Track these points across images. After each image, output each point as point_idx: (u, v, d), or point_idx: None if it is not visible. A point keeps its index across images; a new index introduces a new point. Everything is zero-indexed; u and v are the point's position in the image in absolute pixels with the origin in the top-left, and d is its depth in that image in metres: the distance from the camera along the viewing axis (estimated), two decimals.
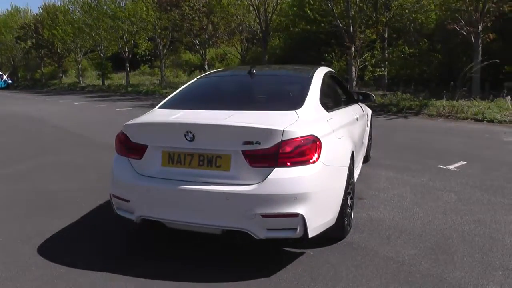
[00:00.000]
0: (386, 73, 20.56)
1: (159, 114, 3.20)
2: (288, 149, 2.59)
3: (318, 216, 2.70)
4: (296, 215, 2.57)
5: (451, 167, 5.53)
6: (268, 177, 2.57)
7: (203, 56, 22.44)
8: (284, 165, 2.59)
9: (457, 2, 13.10)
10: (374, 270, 2.86)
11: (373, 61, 19.01)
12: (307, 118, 2.88)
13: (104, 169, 5.69)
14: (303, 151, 2.62)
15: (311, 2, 21.50)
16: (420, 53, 20.30)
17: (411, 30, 20.91)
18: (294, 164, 2.60)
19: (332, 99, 3.86)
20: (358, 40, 17.12)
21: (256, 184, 2.58)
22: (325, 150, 2.75)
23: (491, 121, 9.14)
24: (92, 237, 3.55)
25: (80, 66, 32.03)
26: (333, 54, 23.16)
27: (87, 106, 16.38)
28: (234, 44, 23.80)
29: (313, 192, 2.62)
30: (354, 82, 17.29)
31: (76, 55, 31.80)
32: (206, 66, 23.57)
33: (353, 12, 16.79)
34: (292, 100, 3.23)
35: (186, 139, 2.69)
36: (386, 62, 20.08)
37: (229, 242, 3.15)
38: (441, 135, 8.20)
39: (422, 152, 6.56)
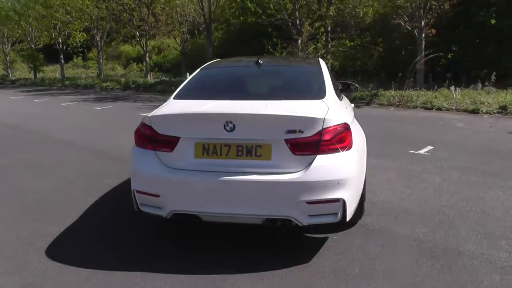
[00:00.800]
0: (330, 65, 21.29)
1: (187, 105, 3.07)
2: (328, 136, 2.67)
3: (354, 200, 2.82)
4: (338, 200, 2.66)
5: (422, 151, 5.96)
6: (312, 164, 2.63)
7: (145, 48, 21.65)
8: (325, 152, 2.67)
9: None
10: (400, 248, 3.06)
11: (319, 53, 19.65)
12: (334, 107, 2.96)
13: (79, 167, 5.40)
14: (341, 138, 2.72)
15: None
16: (361, 46, 21.37)
17: (352, 24, 21.83)
18: (334, 151, 2.69)
19: (336, 89, 4.00)
20: (305, 32, 17.53)
21: (300, 172, 2.63)
22: (354, 136, 2.87)
23: (439, 109, 9.93)
24: (99, 236, 3.39)
25: (8, 58, 29.28)
26: (275, 46, 23.61)
27: (26, 101, 15.10)
28: (174, 36, 23.23)
29: (351, 177, 2.73)
30: None
31: (4, 46, 29.02)
32: (148, 58, 22.80)
33: (298, 5, 17.12)
34: (313, 90, 3.29)
35: (226, 129, 2.65)
36: (329, 55, 20.82)
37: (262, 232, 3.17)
38: (399, 123, 8.76)
39: (388, 139, 6.96)
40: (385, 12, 21.18)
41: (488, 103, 9.46)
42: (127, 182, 4.77)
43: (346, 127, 2.79)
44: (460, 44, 15.31)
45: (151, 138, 2.85)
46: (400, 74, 12.00)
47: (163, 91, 16.83)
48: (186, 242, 3.22)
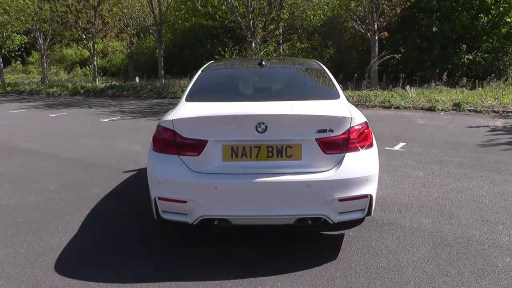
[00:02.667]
0: None
1: (210, 107, 2.98)
2: (355, 135, 2.75)
3: (375, 195, 2.92)
4: (366, 196, 2.75)
5: (397, 148, 6.27)
6: (342, 162, 2.70)
7: (92, 52, 20.69)
8: (353, 150, 2.75)
9: (353, 2, 14.60)
10: (415, 240, 3.21)
11: (274, 55, 19.96)
12: (351, 107, 3.06)
13: (57, 177, 5.08)
14: (366, 136, 2.82)
15: None
16: (312, 48, 21.99)
17: (302, 27, 22.39)
18: (360, 148, 2.78)
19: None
20: (259, 35, 17.70)
21: (331, 170, 2.68)
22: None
23: (397, 107, 10.48)
24: (105, 247, 3.22)
25: None
26: (226, 49, 23.66)
27: None
28: (122, 39, 22.47)
29: (376, 173, 2.84)
30: None
31: None
32: (96, 62, 21.83)
33: (251, 8, 17.23)
34: (327, 90, 3.37)
35: (258, 131, 2.63)
36: (281, 57, 21.22)
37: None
38: None
39: None
40: (335, 16, 22.02)
41: (442, 100, 10.15)
42: (117, 190, 4.60)
43: (367, 125, 2.89)
44: (408, 47, 16.26)
45: (175, 142, 2.76)
46: (356, 75, 12.51)
47: (114, 96, 16.22)
48: (204, 249, 3.15)
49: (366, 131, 2.83)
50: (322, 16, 22.41)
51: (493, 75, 12.57)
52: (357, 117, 2.81)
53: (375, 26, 13.53)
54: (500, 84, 11.80)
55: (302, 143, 2.69)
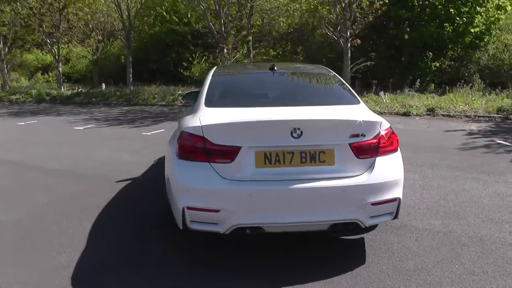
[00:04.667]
0: None
1: (239, 113, 2.89)
2: (384, 139, 2.79)
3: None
4: (395, 199, 2.80)
5: None
6: (374, 166, 2.73)
7: (57, 57, 19.85)
8: (383, 154, 2.79)
9: (324, 9, 14.91)
10: (433, 241, 3.29)
11: (246, 61, 19.98)
12: (373, 112, 3.11)
13: (46, 189, 4.81)
14: (392, 140, 2.87)
15: (166, 4, 21.36)
16: (283, 55, 22.24)
17: (272, 34, 22.56)
18: (388, 152, 2.83)
19: None
20: (231, 41, 17.67)
21: (364, 175, 2.70)
22: None
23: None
24: (118, 262, 3.06)
25: None
26: (194, 55, 23.49)
27: None
28: (89, 44, 21.72)
29: (402, 177, 2.89)
30: None
31: None
32: (61, 68, 20.97)
33: (223, 14, 17.19)
34: (347, 96, 3.40)
35: (293, 136, 2.61)
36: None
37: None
38: None
39: None
40: (303, 23, 22.42)
41: (416, 106, 10.55)
42: (116, 201, 4.40)
43: (393, 130, 2.94)
44: (377, 54, 16.81)
45: (205, 149, 2.67)
46: None
47: (83, 104, 15.62)
48: (225, 256, 3.07)
49: (392, 135, 2.88)
50: (291, 23, 22.73)
51: (462, 81, 13.23)
52: (385, 122, 2.86)
53: (348, 33, 13.90)
54: (467, 90, 12.43)
55: (335, 148, 2.70)
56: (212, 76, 3.68)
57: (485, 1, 15.15)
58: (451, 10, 15.37)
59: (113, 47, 25.41)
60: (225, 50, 17.55)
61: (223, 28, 17.30)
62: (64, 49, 22.85)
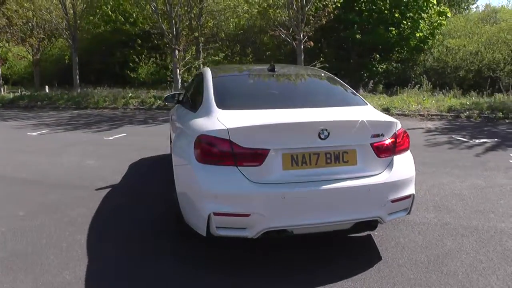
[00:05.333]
0: None
1: (262, 115, 2.84)
2: (400, 138, 2.90)
3: None
4: (410, 196, 2.91)
5: None
6: (393, 165, 2.82)
7: None
8: (399, 153, 2.90)
9: (275, 12, 15.11)
10: (434, 233, 3.46)
11: (196, 63, 19.74)
12: (379, 112, 3.21)
13: (19, 200, 4.43)
14: (405, 139, 2.98)
15: (111, 3, 20.56)
16: (232, 56, 22.26)
17: (219, 35, 22.43)
18: (403, 151, 2.94)
19: None
20: (182, 42, 17.35)
21: (383, 173, 2.78)
22: None
23: None
24: (127, 275, 2.89)
25: None
26: (141, 57, 22.83)
27: None
28: (31, 44, 20.24)
29: (414, 174, 3.01)
30: (179, 85, 17.46)
31: None
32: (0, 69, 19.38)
33: (174, 14, 16.83)
34: (353, 97, 3.47)
35: (320, 137, 2.62)
36: (206, 66, 21.08)
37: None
38: None
39: None
40: (251, 25, 22.56)
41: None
42: (103, 210, 4.14)
43: (405, 130, 3.06)
44: (327, 56, 17.37)
45: (233, 153, 2.60)
46: None
47: (28, 107, 14.58)
48: (245, 257, 3.01)
49: (405, 134, 2.99)
50: (237, 24, 22.77)
51: (413, 82, 14.07)
52: (398, 122, 2.96)
53: (301, 35, 14.23)
54: (416, 90, 13.23)
55: (357, 148, 2.75)
56: (213, 77, 3.58)
57: (428, 8, 16.26)
58: (396, 15, 16.32)
59: (54, 47, 23.91)
60: (177, 52, 17.18)
61: (174, 29, 16.91)
62: (2, 48, 21.14)
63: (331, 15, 14.32)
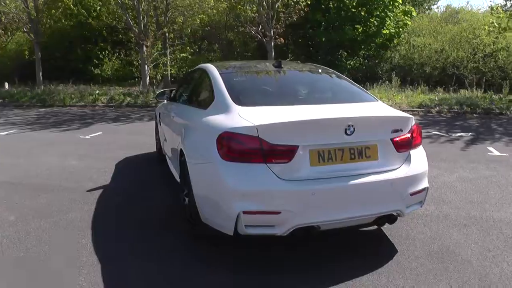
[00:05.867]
0: (170, 73, 21.07)
1: (288, 111, 2.83)
2: (415, 133, 2.99)
3: None
4: (425, 189, 3.00)
5: None
6: (411, 159, 2.90)
7: None
8: (414, 147, 2.98)
9: (243, 8, 15.06)
10: (439, 225, 3.58)
11: (164, 59, 19.34)
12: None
13: (3, 205, 4.15)
14: (419, 134, 3.06)
15: None
16: (199, 53, 21.98)
17: (185, 31, 22.03)
18: (418, 145, 3.03)
19: None
20: (151, 38, 16.95)
21: (402, 167, 2.85)
22: None
23: None
24: (148, 280, 2.81)
25: None
26: (105, 52, 22.12)
27: None
28: None
29: (427, 168, 3.10)
30: (148, 81, 17.07)
31: None
32: None
33: (141, 9, 16.38)
34: (363, 93, 3.50)
35: (347, 133, 2.64)
36: (173, 63, 20.70)
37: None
38: None
39: None
40: (217, 21, 22.36)
41: None
42: (103, 213, 3.99)
43: (418, 124, 3.14)
44: (296, 53, 17.57)
45: (262, 150, 2.56)
46: None
47: None
48: (260, 257, 2.99)
49: (418, 129, 3.08)
50: (202, 19, 22.47)
51: (384, 78, 14.48)
52: (413, 117, 3.04)
53: (271, 32, 14.28)
54: (385, 86, 13.63)
55: (378, 143, 2.80)
56: (221, 73, 3.51)
57: (394, 6, 16.79)
58: (363, 13, 16.75)
59: (11, 42, 22.62)
60: (145, 48, 16.74)
61: (141, 24, 16.46)
62: None
63: (302, 12, 14.47)
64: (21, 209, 4.05)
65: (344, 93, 3.50)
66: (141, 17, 16.34)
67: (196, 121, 3.28)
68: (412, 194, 2.87)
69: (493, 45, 15.75)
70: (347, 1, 17.01)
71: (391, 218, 2.89)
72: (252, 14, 14.87)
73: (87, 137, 8.06)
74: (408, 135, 2.91)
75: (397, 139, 2.84)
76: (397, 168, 2.84)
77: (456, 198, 4.26)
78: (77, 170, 5.47)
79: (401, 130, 2.86)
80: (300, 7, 14.28)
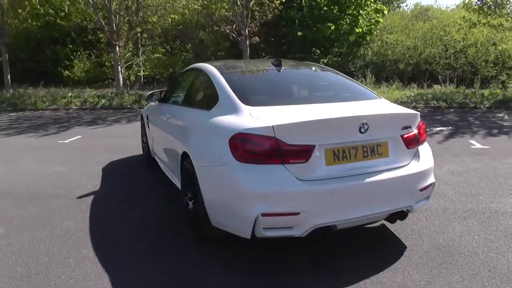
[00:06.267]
0: (143, 73, 20.71)
1: (301, 110, 2.82)
2: (422, 130, 3.03)
3: None
4: (432, 184, 3.04)
5: None
6: (420, 155, 2.94)
7: None
8: (421, 143, 3.03)
9: (217, 7, 14.97)
10: (439, 218, 3.65)
11: (138, 60, 18.97)
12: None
13: None
14: (424, 130, 3.11)
15: None
16: (171, 52, 21.66)
17: (155, 30, 21.66)
18: (424, 141, 3.07)
19: None
20: (123, 38, 16.57)
21: (411, 163, 2.89)
22: None
23: None
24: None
25: None
26: (75, 53, 21.52)
27: None
28: None
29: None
30: (121, 82, 16.68)
31: None
32: None
33: (113, 9, 15.98)
34: (366, 90, 3.52)
35: (361, 131, 2.64)
36: (146, 63, 20.35)
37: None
38: None
39: None
40: (187, 20, 22.07)
41: None
42: (101, 220, 3.83)
43: (422, 121, 3.19)
44: (269, 51, 17.61)
45: (279, 151, 2.52)
46: None
47: None
48: (271, 259, 2.96)
49: (423, 126, 3.12)
50: (177, 20, 22.15)
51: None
52: (419, 114, 3.08)
53: (246, 31, 14.23)
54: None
55: (388, 141, 2.82)
56: (222, 73, 3.44)
57: (366, 5, 17.13)
58: (335, 11, 17.02)
59: None
60: (118, 48, 16.33)
61: (114, 24, 16.04)
62: None
63: (276, 10, 14.50)
64: (11, 220, 3.85)
65: (349, 91, 3.51)
66: (113, 17, 15.92)
67: (201, 122, 3.20)
68: (421, 190, 2.91)
69: (463, 42, 16.30)
70: (319, 0, 17.21)
71: (402, 214, 2.92)
72: (227, 13, 14.79)
73: (66, 141, 7.78)
74: (416, 132, 2.95)
75: (407, 135, 2.87)
76: (407, 164, 2.87)
77: (450, 191, 4.37)
78: (62, 177, 5.26)
79: (410, 127, 2.90)
80: (274, 6, 14.31)
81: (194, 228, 3.21)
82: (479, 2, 12.70)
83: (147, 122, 5.47)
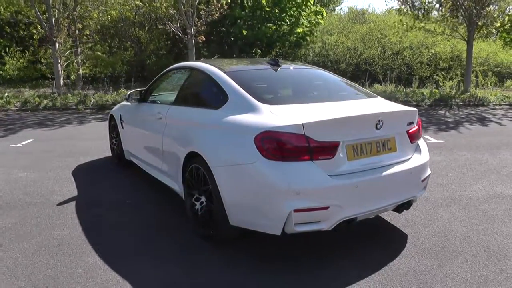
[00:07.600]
0: (82, 73, 19.67)
1: (322, 108, 2.93)
2: (420, 125, 3.27)
3: None
4: (429, 175, 3.32)
5: None
6: (421, 149, 3.21)
7: None
8: (420, 138, 3.27)
9: (163, 5, 14.64)
10: (427, 207, 3.97)
11: (78, 58, 17.99)
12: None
13: None
14: (421, 126, 3.36)
15: None
16: (111, 51, 20.76)
17: (95, 28, 20.66)
18: (421, 136, 3.34)
19: None
20: (63, 34, 15.62)
21: (414, 156, 3.14)
22: None
23: None
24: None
25: None
26: (7, 50, 20.04)
27: None
28: None
29: None
30: (62, 82, 15.76)
31: None
32: None
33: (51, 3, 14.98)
34: (361, 89, 3.71)
35: (376, 128, 2.81)
36: (87, 62, 19.35)
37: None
38: None
39: None
40: (124, 18, 21.28)
41: None
42: (92, 227, 3.66)
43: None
44: (211, 50, 17.59)
45: (309, 148, 2.60)
46: None
47: None
48: (283, 257, 3.04)
49: (420, 121, 3.38)
50: (114, 16, 21.25)
51: None
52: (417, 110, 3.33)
53: (192, 30, 14.09)
54: None
55: (396, 136, 3.02)
56: (226, 72, 3.44)
57: (306, 7, 17.81)
58: (276, 12, 17.46)
59: None
60: (57, 45, 15.35)
61: (53, 20, 15.04)
62: None
63: (222, 10, 14.51)
64: None
65: (352, 90, 3.69)
66: (52, 11, 14.93)
67: (211, 121, 3.15)
68: (423, 181, 3.16)
69: (399, 44, 17.49)
70: (261, 0, 17.53)
71: (409, 204, 3.14)
72: (172, 11, 14.52)
73: (19, 145, 7.20)
74: (417, 127, 3.19)
75: (411, 131, 3.11)
76: (411, 157, 3.11)
77: (451, 181, 4.75)
78: (31, 183, 4.90)
79: (413, 123, 3.14)
80: (220, 5, 14.31)
81: (206, 228, 3.18)
82: (411, 9, 13.76)
83: (121, 123, 5.25)
